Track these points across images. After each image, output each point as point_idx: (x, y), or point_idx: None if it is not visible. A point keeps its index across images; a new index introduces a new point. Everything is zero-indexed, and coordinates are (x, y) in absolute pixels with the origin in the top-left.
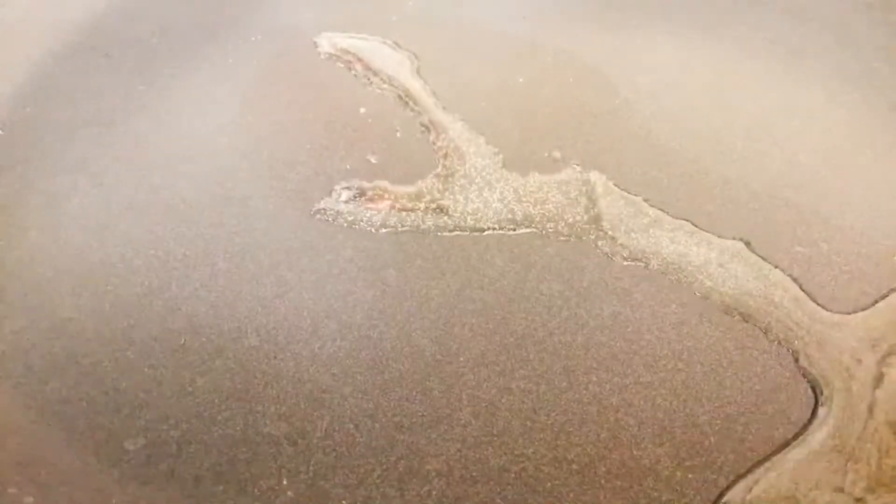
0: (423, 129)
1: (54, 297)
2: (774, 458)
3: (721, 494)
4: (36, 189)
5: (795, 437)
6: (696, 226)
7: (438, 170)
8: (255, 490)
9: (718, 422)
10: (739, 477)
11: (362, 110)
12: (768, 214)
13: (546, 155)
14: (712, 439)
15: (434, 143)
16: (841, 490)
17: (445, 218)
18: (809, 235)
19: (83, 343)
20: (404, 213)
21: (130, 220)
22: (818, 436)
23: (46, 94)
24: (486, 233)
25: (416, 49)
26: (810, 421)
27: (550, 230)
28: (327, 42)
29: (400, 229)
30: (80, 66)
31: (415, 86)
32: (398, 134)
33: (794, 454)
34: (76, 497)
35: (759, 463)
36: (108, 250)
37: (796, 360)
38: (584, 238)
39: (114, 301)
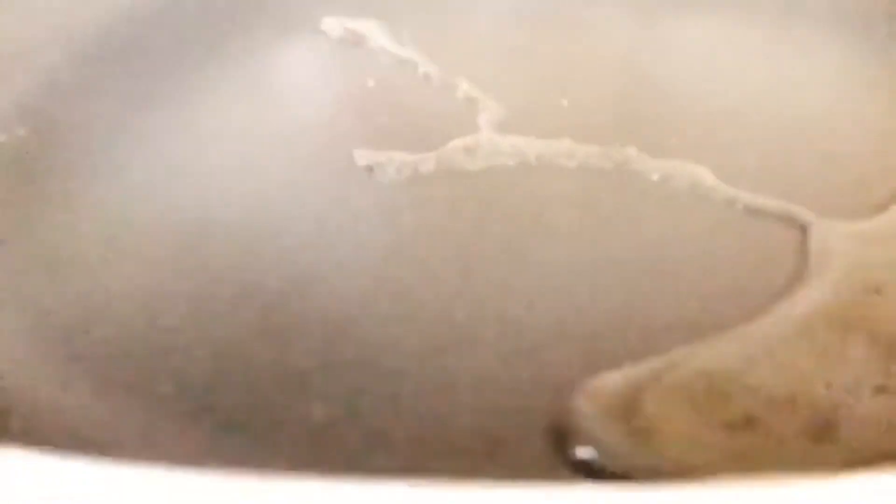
0: (433, 93)
1: (82, 279)
2: None
3: None
4: (59, 187)
5: None
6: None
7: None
8: (289, 415)
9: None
10: None
11: (370, 83)
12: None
13: (555, 103)
14: None
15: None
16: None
17: (458, 166)
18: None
19: (112, 303)
20: (416, 164)
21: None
22: None
23: (65, 97)
24: (500, 176)
25: (422, 27)
26: None
27: (564, 168)
28: (334, 25)
29: (412, 180)
30: (93, 72)
31: (420, 58)
32: (407, 98)
33: None
34: (107, 440)
35: None
36: (130, 240)
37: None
38: (598, 173)
39: (141, 265)
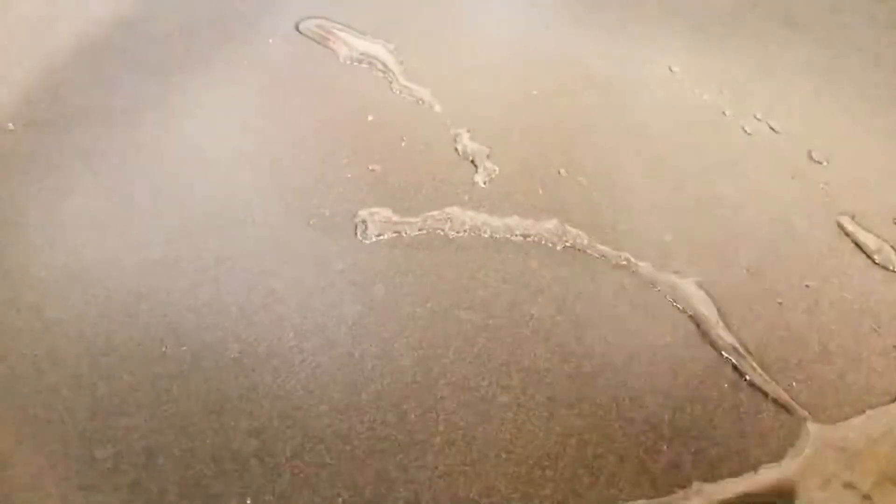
0: (428, 140)
1: (42, 297)
2: None
3: None
4: (37, 185)
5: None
6: (702, 254)
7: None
8: None
9: (702, 466)
10: None
11: (370, 118)
12: (783, 244)
13: (552, 171)
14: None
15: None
16: None
17: (441, 234)
18: (820, 271)
19: (65, 345)
20: (400, 227)
21: (127, 220)
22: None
23: (60, 90)
24: (480, 251)
25: (430, 59)
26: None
27: (548, 251)
28: (342, 46)
29: (394, 243)
30: (96, 64)
31: (424, 95)
32: (403, 144)
33: None
34: (39, 502)
35: None
36: (101, 251)
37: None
38: (583, 261)
39: (101, 304)
